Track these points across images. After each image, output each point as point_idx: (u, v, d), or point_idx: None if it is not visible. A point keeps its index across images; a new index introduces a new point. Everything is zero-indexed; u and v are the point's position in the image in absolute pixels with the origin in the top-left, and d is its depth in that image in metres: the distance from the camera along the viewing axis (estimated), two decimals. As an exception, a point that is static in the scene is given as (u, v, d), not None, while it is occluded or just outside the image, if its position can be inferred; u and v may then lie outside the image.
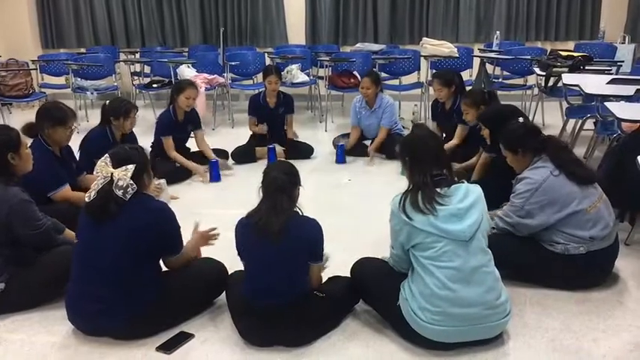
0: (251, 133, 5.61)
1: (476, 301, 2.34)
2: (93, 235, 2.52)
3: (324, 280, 2.72)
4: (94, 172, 2.56)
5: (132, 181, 2.47)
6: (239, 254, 2.60)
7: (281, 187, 2.50)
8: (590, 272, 2.91)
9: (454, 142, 4.91)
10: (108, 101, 4.37)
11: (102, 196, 2.47)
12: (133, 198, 2.48)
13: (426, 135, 2.66)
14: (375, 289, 2.66)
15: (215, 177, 4.91)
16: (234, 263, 2.71)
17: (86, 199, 2.53)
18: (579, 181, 2.85)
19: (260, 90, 5.82)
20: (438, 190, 2.39)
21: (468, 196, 2.40)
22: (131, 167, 2.49)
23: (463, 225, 2.34)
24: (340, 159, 5.35)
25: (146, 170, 2.61)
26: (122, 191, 2.45)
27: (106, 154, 2.57)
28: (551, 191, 2.83)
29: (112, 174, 2.47)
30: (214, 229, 2.93)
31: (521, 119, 3.14)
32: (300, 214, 2.57)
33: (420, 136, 2.66)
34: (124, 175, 2.47)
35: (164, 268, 2.71)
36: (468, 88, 5.30)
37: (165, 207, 2.65)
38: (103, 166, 2.52)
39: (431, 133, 2.78)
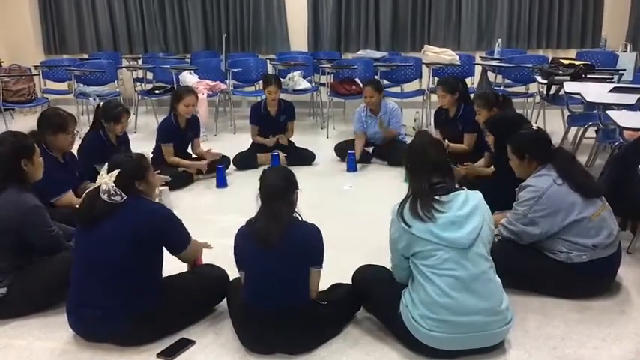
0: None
1: (477, 308, 2.33)
2: (86, 238, 2.56)
3: (325, 288, 2.71)
4: (97, 182, 2.60)
5: (114, 186, 2.50)
6: (237, 263, 2.60)
7: (278, 193, 2.50)
8: (592, 281, 2.90)
9: (462, 147, 4.86)
10: (102, 103, 4.39)
11: (87, 199, 2.56)
12: (125, 203, 2.51)
13: (427, 142, 2.66)
14: (377, 296, 2.65)
15: (221, 183, 4.93)
16: (235, 270, 2.70)
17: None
18: (583, 192, 2.85)
19: (261, 98, 5.79)
20: (437, 197, 2.40)
21: (467, 203, 2.40)
22: (115, 172, 2.53)
23: (462, 232, 2.34)
24: (351, 166, 5.28)
25: (140, 177, 2.63)
26: (106, 195, 2.50)
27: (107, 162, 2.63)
28: (554, 199, 2.83)
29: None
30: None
31: (535, 126, 3.14)
32: (300, 219, 2.57)
33: (420, 143, 2.68)
34: (109, 180, 2.52)
35: (165, 274, 2.71)
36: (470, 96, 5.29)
37: (159, 208, 2.67)
38: (101, 175, 2.58)
39: (432, 140, 2.78)
